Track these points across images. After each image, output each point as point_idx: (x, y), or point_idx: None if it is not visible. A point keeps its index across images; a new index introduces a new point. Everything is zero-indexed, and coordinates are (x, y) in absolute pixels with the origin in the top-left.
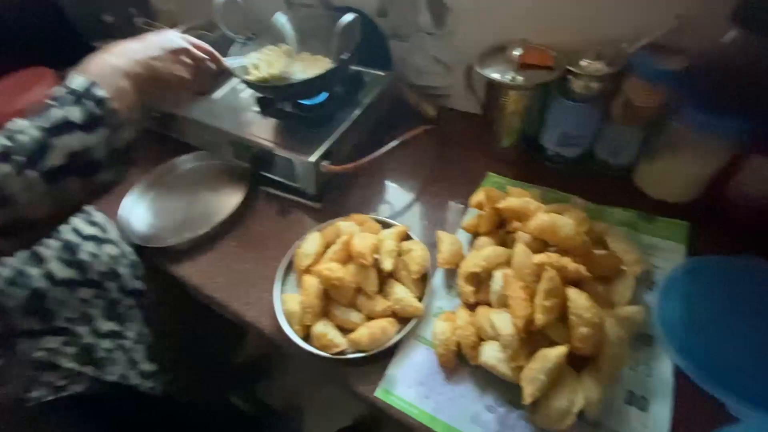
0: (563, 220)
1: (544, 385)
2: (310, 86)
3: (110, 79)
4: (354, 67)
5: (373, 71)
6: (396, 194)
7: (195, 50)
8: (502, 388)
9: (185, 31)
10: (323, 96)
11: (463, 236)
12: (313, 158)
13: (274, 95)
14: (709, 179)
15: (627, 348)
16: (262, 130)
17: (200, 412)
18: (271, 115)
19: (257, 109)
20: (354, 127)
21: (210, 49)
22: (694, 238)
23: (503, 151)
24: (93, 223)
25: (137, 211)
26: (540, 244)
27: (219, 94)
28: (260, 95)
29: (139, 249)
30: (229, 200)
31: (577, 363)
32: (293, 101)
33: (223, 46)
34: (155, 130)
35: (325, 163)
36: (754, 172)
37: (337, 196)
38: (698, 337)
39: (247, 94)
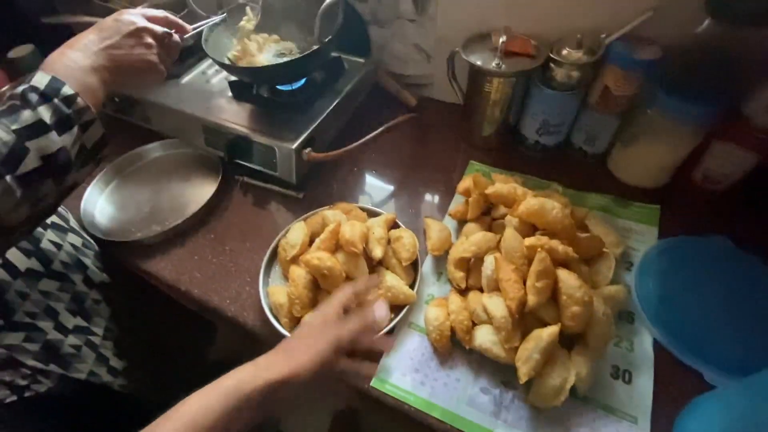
0: (551, 204)
1: (538, 364)
2: (292, 69)
3: (76, 74)
4: (333, 54)
5: (352, 58)
6: (378, 184)
7: (154, 26)
8: (496, 371)
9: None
10: (302, 81)
11: (449, 223)
12: (295, 145)
13: (251, 78)
14: (678, 165)
15: (612, 325)
16: (236, 115)
17: None
18: (246, 100)
19: (230, 94)
20: (334, 115)
21: (171, 17)
22: (665, 221)
23: (484, 140)
24: None
25: (101, 204)
26: (527, 229)
27: (186, 78)
28: (234, 79)
29: (104, 244)
30: (201, 191)
31: (565, 342)
32: (271, 86)
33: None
34: (116, 116)
35: (306, 150)
36: (717, 157)
37: (316, 186)
38: (674, 312)
39: (217, 79)
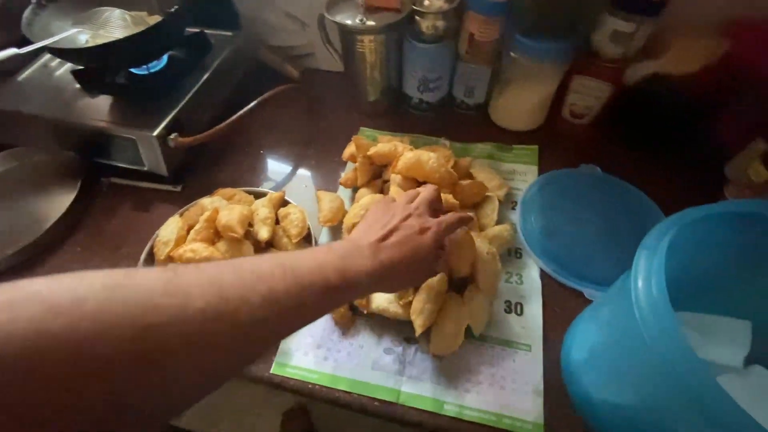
0: (427, 155)
1: (432, 313)
2: (136, 46)
3: None
4: (194, 29)
5: (220, 32)
6: (270, 164)
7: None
8: (398, 329)
9: None
10: (162, 63)
11: (343, 193)
12: (156, 132)
13: (96, 62)
14: (548, 105)
15: (498, 262)
16: (89, 109)
17: None
18: (98, 90)
19: (78, 86)
20: (204, 94)
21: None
22: (543, 160)
23: (372, 105)
24: None
25: None
26: (411, 184)
27: (24, 74)
28: (78, 67)
29: None
30: (60, 200)
31: (458, 287)
32: (124, 71)
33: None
34: None
35: (172, 136)
36: (577, 92)
37: (198, 176)
38: (555, 240)
39: (63, 71)
